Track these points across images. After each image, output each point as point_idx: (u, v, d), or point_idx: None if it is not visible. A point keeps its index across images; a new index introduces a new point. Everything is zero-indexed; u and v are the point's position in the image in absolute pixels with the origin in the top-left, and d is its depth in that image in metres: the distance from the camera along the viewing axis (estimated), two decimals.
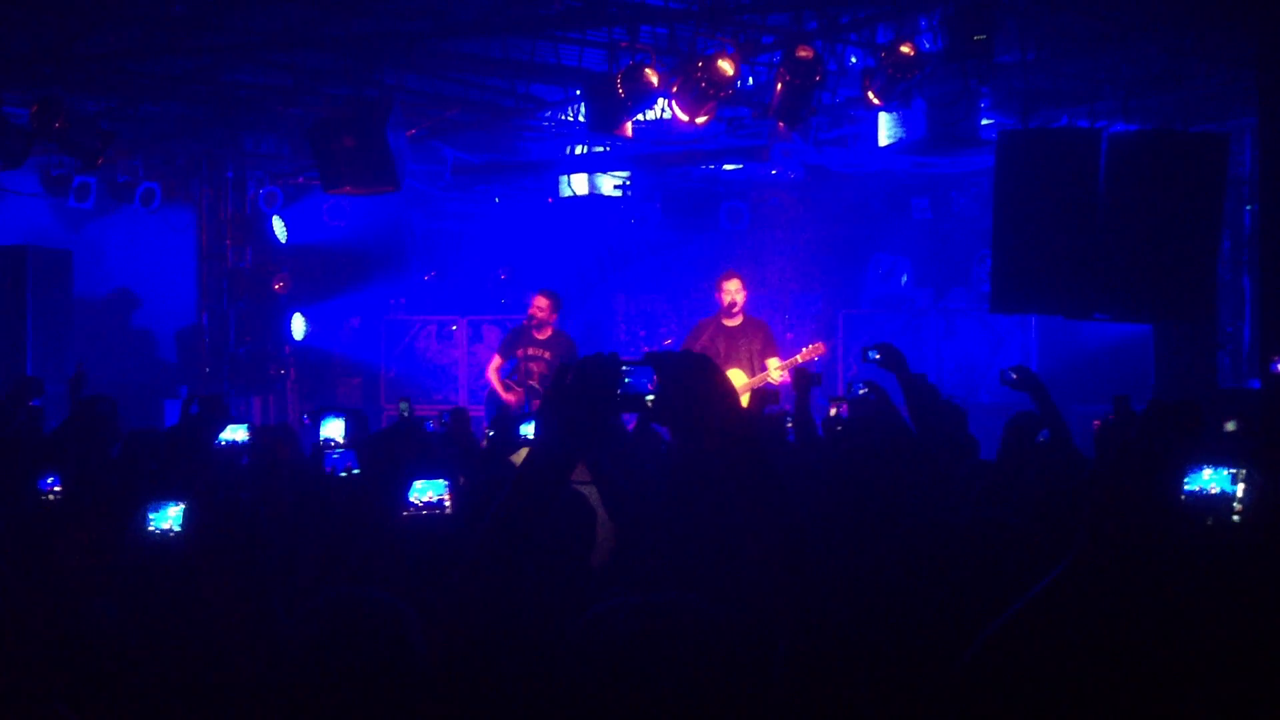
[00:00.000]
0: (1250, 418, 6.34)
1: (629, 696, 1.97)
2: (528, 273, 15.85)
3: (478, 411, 11.48)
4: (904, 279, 16.11)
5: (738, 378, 9.84)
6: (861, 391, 6.68)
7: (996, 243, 9.26)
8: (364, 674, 2.30)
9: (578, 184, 15.61)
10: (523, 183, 15.71)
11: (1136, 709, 2.31)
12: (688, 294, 16.12)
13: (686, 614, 2.05)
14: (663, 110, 11.02)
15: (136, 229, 14.14)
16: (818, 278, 16.32)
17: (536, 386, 10.69)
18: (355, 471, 4.87)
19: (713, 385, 2.09)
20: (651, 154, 13.81)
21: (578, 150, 14.50)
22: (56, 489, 4.60)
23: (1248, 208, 12.61)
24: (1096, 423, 7.33)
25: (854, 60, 10.26)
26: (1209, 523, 2.70)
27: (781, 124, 9.93)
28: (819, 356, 10.04)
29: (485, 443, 7.29)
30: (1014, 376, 6.01)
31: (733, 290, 10.29)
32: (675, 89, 9.02)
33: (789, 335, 14.80)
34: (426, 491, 3.74)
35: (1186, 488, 2.68)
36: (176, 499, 2.95)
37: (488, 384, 11.61)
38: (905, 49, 8.83)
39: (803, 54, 8.83)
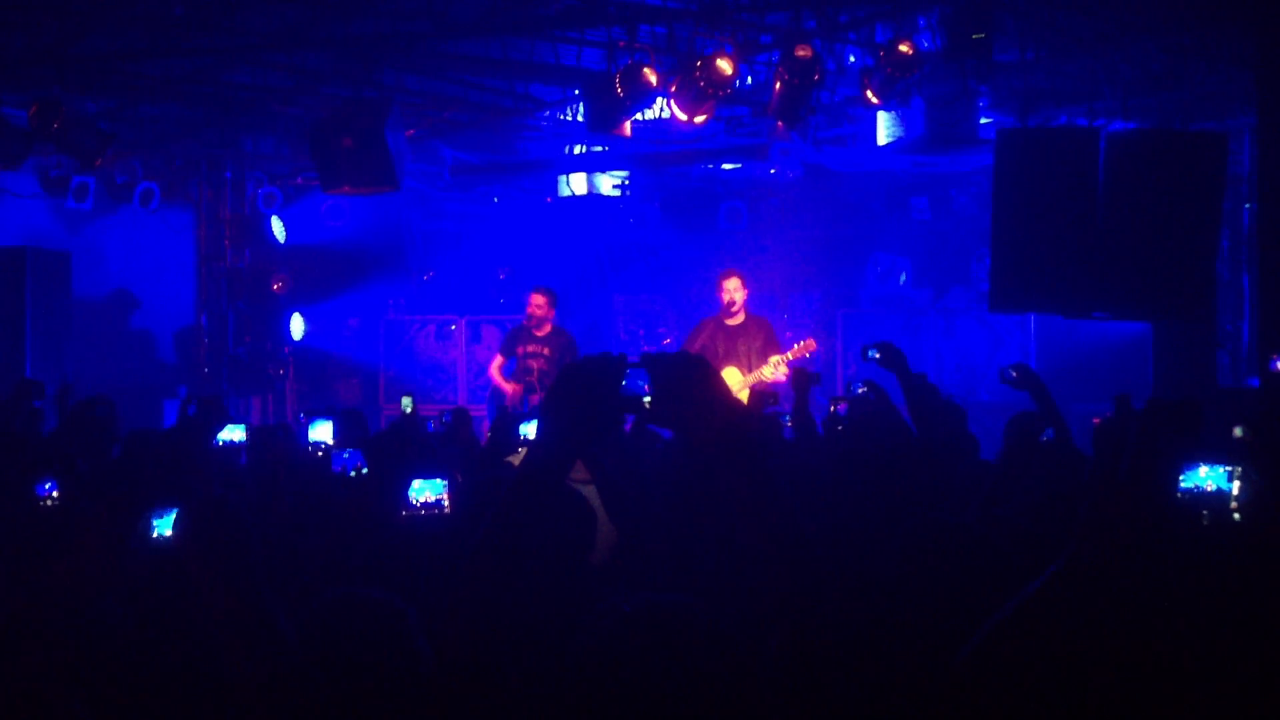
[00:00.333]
0: (1257, 422, 6.33)
1: (628, 697, 1.98)
2: (527, 272, 15.84)
3: (478, 411, 11.48)
4: (903, 278, 16.10)
5: (732, 376, 9.83)
6: (861, 390, 6.67)
7: (995, 242, 9.26)
8: (367, 673, 2.30)
9: (576, 184, 15.62)
10: (521, 183, 15.71)
11: (1133, 706, 2.31)
12: (687, 293, 16.11)
13: (684, 616, 2.05)
14: (661, 110, 11.02)
15: (135, 230, 14.14)
16: (816, 277, 16.31)
17: (535, 383, 10.70)
18: (364, 471, 4.87)
19: (706, 386, 2.09)
20: (650, 153, 13.81)
21: (576, 150, 14.50)
22: (54, 494, 4.60)
23: (1246, 206, 12.61)
24: (1096, 421, 7.33)
25: (853, 59, 10.27)
26: (1205, 521, 2.70)
27: (780, 123, 9.93)
28: (810, 353, 10.02)
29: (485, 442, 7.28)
30: (1014, 375, 6.01)
31: (731, 289, 10.27)
32: (674, 88, 9.03)
33: (788, 334, 14.76)
34: (425, 492, 3.74)
35: (1183, 485, 2.69)
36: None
37: (488, 384, 11.61)
38: (904, 48, 8.84)
39: (801, 53, 8.83)
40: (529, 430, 5.53)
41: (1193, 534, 2.68)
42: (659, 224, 15.99)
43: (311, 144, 10.75)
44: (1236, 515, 2.69)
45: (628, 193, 15.90)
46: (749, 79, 10.66)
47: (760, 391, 8.44)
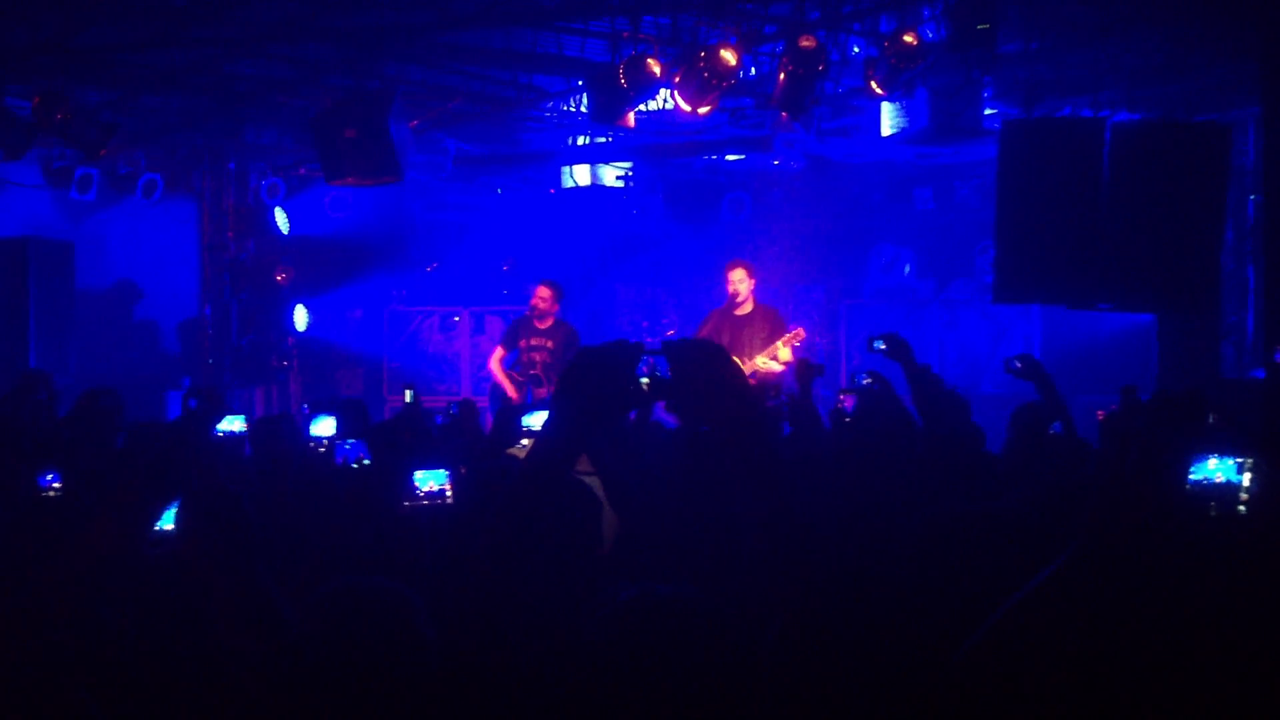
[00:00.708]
0: (1230, 411, 6.31)
1: (625, 686, 1.97)
2: (530, 263, 15.84)
3: (482, 402, 11.48)
4: (906, 270, 16.09)
5: None
6: (865, 382, 6.67)
7: (999, 233, 9.25)
8: (373, 661, 2.30)
9: (580, 175, 15.60)
10: (525, 173, 15.70)
11: (1141, 700, 2.31)
12: (689, 285, 16.10)
13: (681, 606, 2.05)
14: (665, 101, 11.00)
15: (138, 221, 14.14)
16: (819, 268, 16.29)
17: (540, 375, 10.69)
18: (367, 462, 4.87)
19: (725, 373, 2.10)
20: (654, 144, 13.80)
21: (580, 141, 14.48)
22: (56, 485, 4.59)
23: (1251, 198, 12.58)
24: (1100, 413, 7.32)
25: (857, 50, 10.24)
26: (1213, 513, 2.70)
27: (784, 114, 9.90)
28: (799, 342, 10.02)
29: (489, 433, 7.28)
30: (1019, 365, 6.01)
31: (736, 279, 10.27)
32: (678, 79, 9.01)
33: (791, 326, 14.78)
34: (428, 482, 3.74)
35: (1192, 477, 2.68)
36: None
37: (490, 376, 11.61)
38: (908, 38, 8.82)
39: (805, 44, 8.81)
40: (531, 422, 5.53)
41: (1201, 526, 2.67)
42: (662, 215, 15.97)
43: (315, 135, 10.74)
44: (1241, 508, 2.68)
45: (631, 184, 15.89)
46: (753, 70, 10.63)
47: (761, 384, 8.43)
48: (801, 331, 10.18)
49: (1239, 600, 2.43)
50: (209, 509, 2.30)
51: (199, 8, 9.68)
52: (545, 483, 2.14)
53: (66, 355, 12.56)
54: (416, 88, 11.77)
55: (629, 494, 4.17)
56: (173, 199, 14.10)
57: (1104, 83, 10.50)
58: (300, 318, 14.86)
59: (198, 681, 2.79)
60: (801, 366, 7.13)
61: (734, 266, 10.38)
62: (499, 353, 11.21)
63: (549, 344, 10.80)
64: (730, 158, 14.75)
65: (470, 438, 6.53)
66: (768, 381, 9.47)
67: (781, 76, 9.01)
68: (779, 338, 10.09)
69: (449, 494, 3.71)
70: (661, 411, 7.51)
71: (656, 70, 8.91)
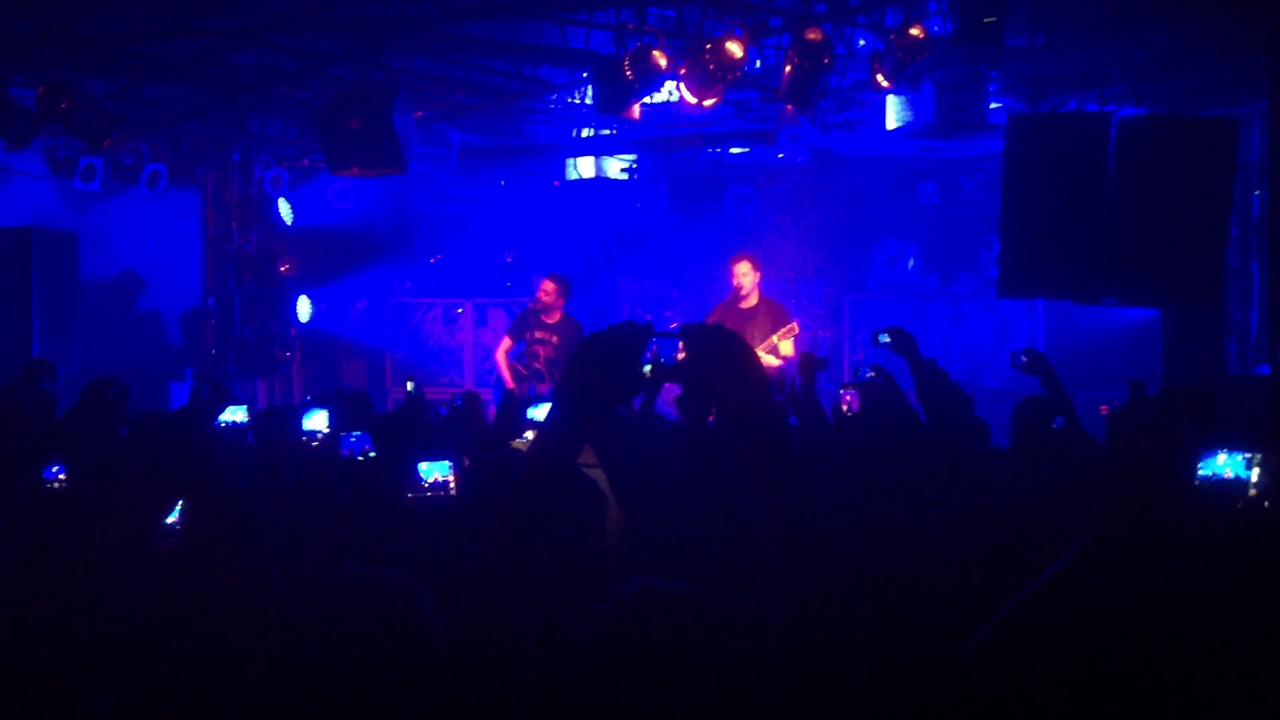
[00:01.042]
0: (1231, 408, 6.29)
1: (632, 683, 1.97)
2: (534, 256, 15.84)
3: (486, 394, 11.48)
4: (910, 264, 16.08)
5: None
6: (870, 375, 6.66)
7: (1004, 227, 9.23)
8: (379, 652, 2.29)
9: (584, 167, 15.59)
10: (529, 166, 15.68)
11: (1150, 695, 2.30)
12: (693, 278, 16.09)
13: (681, 602, 2.05)
14: (670, 93, 10.99)
15: (142, 211, 14.13)
16: (824, 262, 16.29)
17: (542, 370, 10.69)
18: (372, 455, 4.85)
19: (742, 359, 2.09)
20: (658, 137, 13.78)
21: (584, 133, 14.47)
22: (61, 477, 4.58)
23: (1256, 193, 12.56)
24: (1104, 408, 7.32)
25: (862, 43, 10.23)
26: (1222, 508, 2.69)
27: (789, 107, 9.90)
28: (794, 336, 10.01)
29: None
30: (1024, 359, 6.00)
31: (740, 273, 10.26)
32: (683, 71, 8.99)
33: (795, 320, 14.78)
34: (432, 473, 3.73)
35: (1200, 473, 2.67)
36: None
37: (494, 367, 11.61)
38: (914, 32, 8.79)
39: (811, 36, 8.79)
40: (536, 414, 5.52)
41: (1210, 521, 2.67)
42: (666, 208, 15.96)
43: (319, 126, 10.74)
44: (1240, 505, 2.68)
45: (635, 176, 15.87)
46: (758, 62, 10.61)
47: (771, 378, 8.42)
48: (796, 325, 10.16)
49: (1248, 595, 2.42)
50: (212, 502, 2.29)
51: None
52: (551, 471, 2.13)
53: (70, 345, 12.57)
54: (421, 79, 11.76)
55: (634, 487, 4.16)
56: (176, 189, 14.09)
57: (1110, 78, 10.48)
58: (303, 309, 14.86)
59: (204, 674, 2.79)
60: (805, 360, 7.12)
61: (739, 260, 10.36)
62: (506, 343, 11.22)
63: (554, 339, 10.80)
64: (735, 151, 14.73)
65: (474, 429, 6.51)
66: (771, 375, 9.46)
67: (787, 69, 8.99)
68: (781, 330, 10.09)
69: (453, 485, 3.70)
70: (663, 404, 7.51)
71: (662, 62, 8.89)
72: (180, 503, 2.27)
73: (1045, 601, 2.16)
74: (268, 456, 4.80)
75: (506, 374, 10.91)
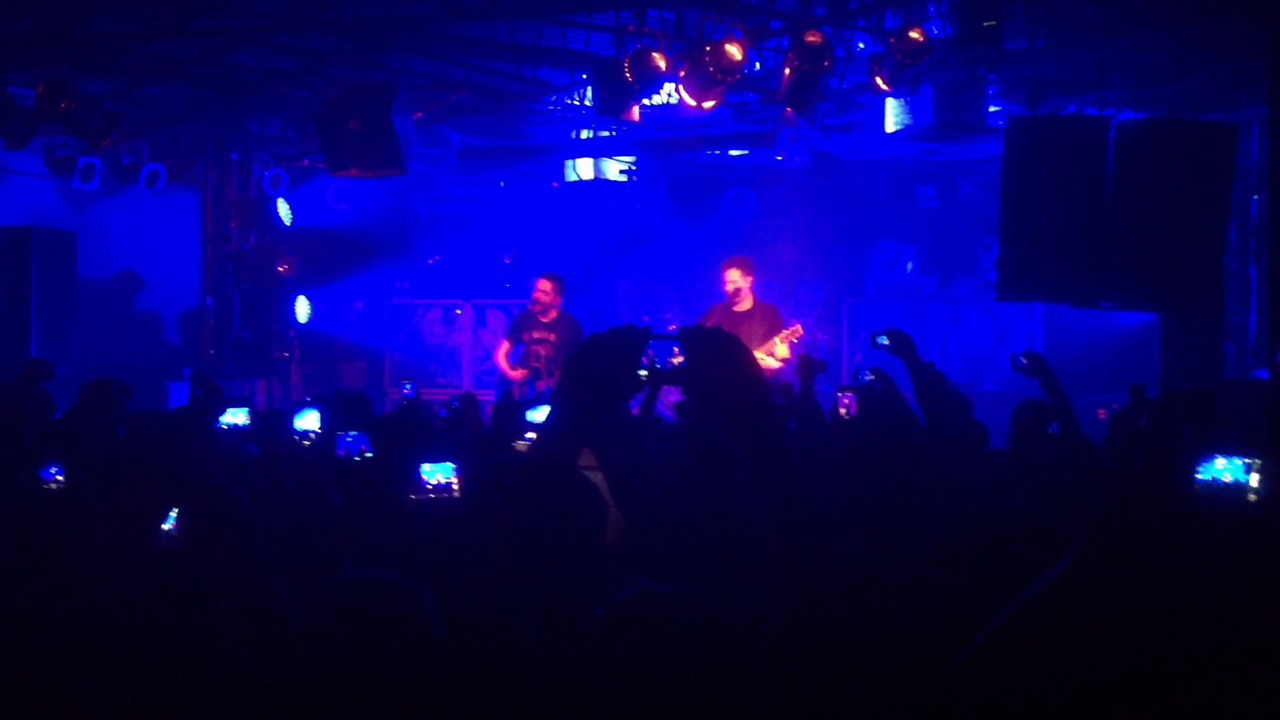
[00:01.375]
0: (1227, 412, 6.29)
1: (628, 686, 1.97)
2: (532, 257, 15.84)
3: (485, 396, 11.48)
4: (909, 267, 16.08)
5: None
6: (868, 378, 6.66)
7: (1003, 230, 9.24)
8: (379, 654, 2.29)
9: (583, 168, 15.59)
10: (528, 167, 15.68)
11: (1148, 700, 2.30)
12: (692, 279, 16.09)
13: (678, 605, 2.05)
14: (669, 95, 10.99)
15: (141, 211, 14.13)
16: (823, 265, 16.29)
17: (541, 369, 10.68)
18: (368, 455, 4.84)
19: (740, 362, 2.09)
20: (657, 139, 13.78)
21: (583, 135, 14.47)
22: (59, 478, 4.57)
23: (1255, 197, 12.58)
24: (1102, 412, 7.32)
25: (862, 46, 10.24)
26: (1221, 513, 2.69)
27: (789, 109, 9.89)
28: (798, 338, 10.01)
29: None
30: (1024, 362, 6.00)
31: (731, 279, 10.27)
32: (682, 73, 9.00)
33: (793, 322, 14.78)
34: (435, 475, 3.72)
35: (1199, 477, 2.67)
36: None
37: (495, 368, 11.60)
38: (914, 35, 8.80)
39: (811, 39, 8.80)
40: (536, 416, 5.51)
41: (1208, 525, 2.67)
42: (665, 210, 15.97)
43: (318, 126, 10.74)
44: (1239, 509, 2.68)
45: (634, 178, 15.87)
46: (757, 65, 10.61)
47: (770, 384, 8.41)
48: (799, 327, 10.16)
49: (1247, 600, 2.42)
50: (207, 508, 2.29)
51: None
52: (550, 472, 2.13)
53: (68, 345, 12.57)
54: (420, 80, 11.77)
55: (633, 490, 4.16)
56: (175, 189, 14.10)
57: (1109, 81, 10.49)
58: (302, 309, 14.86)
59: (201, 676, 2.78)
60: (803, 363, 7.12)
61: (729, 266, 10.36)
62: (504, 347, 11.20)
63: (552, 338, 10.79)
64: (734, 153, 14.74)
65: (472, 431, 6.51)
66: (769, 378, 9.46)
67: (786, 72, 9.00)
68: (777, 334, 10.09)
69: (456, 487, 3.69)
70: (661, 407, 7.51)
71: (661, 64, 8.89)
72: (176, 508, 2.27)
73: (1044, 605, 2.15)
74: (267, 458, 4.80)
75: (511, 374, 10.89)
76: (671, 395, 8.24)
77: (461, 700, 2.05)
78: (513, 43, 10.46)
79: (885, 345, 6.17)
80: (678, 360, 2.21)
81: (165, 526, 2.23)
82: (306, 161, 14.54)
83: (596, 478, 4.05)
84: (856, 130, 12.74)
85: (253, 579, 2.30)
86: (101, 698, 2.13)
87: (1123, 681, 2.26)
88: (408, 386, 9.88)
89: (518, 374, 10.76)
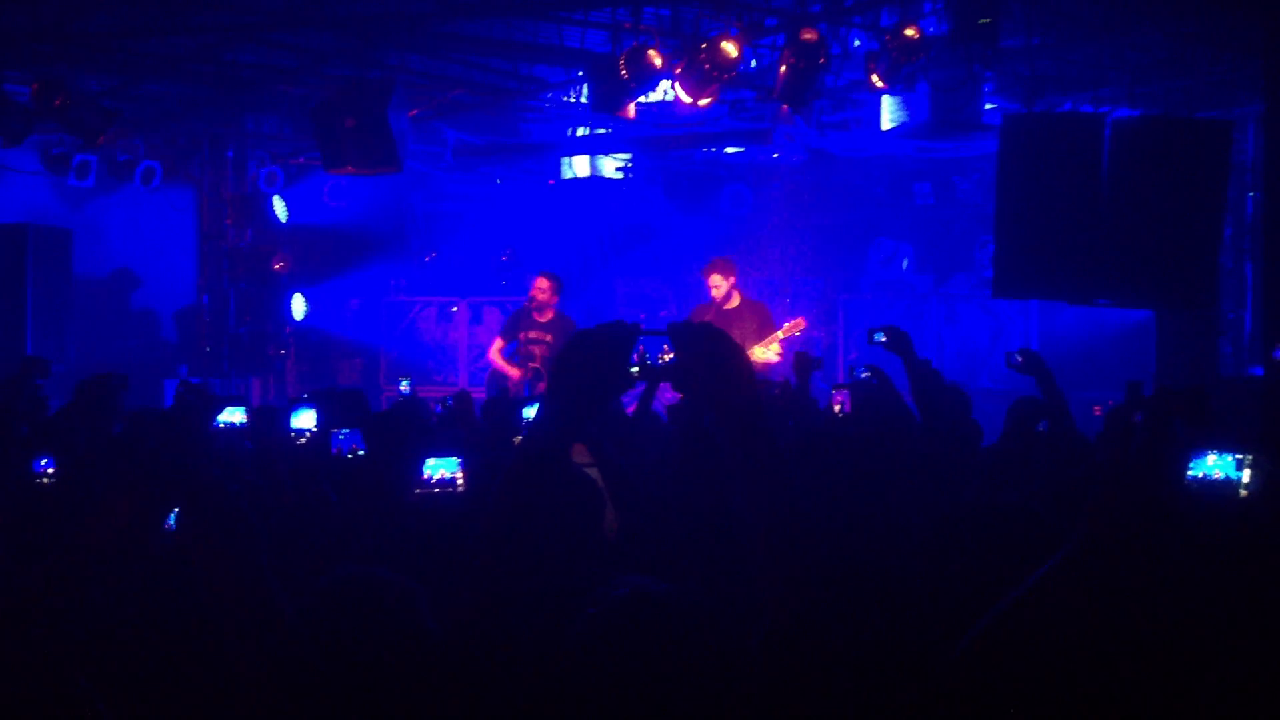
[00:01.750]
0: (1220, 409, 6.29)
1: (622, 686, 1.98)
2: (529, 255, 15.83)
3: (478, 393, 11.47)
4: (905, 264, 16.09)
5: None
6: (864, 375, 6.66)
7: (999, 228, 9.24)
8: (374, 653, 2.29)
9: (579, 166, 15.58)
10: (524, 164, 15.67)
11: (1140, 694, 2.31)
12: (688, 277, 16.07)
13: (670, 603, 2.05)
14: (665, 92, 10.98)
15: (137, 208, 14.13)
16: (819, 262, 16.28)
17: (539, 369, 10.66)
18: (361, 452, 4.84)
19: (731, 358, 2.09)
20: (653, 136, 13.78)
21: (579, 132, 14.46)
22: (50, 471, 4.57)
23: (1250, 195, 12.58)
24: (1098, 409, 7.32)
25: (858, 43, 10.23)
26: (1212, 508, 2.69)
27: (785, 107, 9.90)
28: (800, 331, 10.03)
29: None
30: (1020, 359, 6.00)
31: (714, 284, 10.40)
32: (678, 71, 9.00)
33: (788, 320, 14.78)
34: (439, 470, 3.73)
35: (1191, 473, 2.68)
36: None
37: (488, 366, 11.58)
38: (910, 32, 8.81)
39: (807, 36, 8.80)
40: (531, 414, 5.52)
41: (1200, 521, 2.67)
42: (661, 207, 15.96)
43: (314, 124, 10.74)
44: (1230, 506, 2.68)
45: (630, 175, 15.86)
46: (753, 62, 10.62)
47: (764, 380, 8.42)
48: (802, 321, 10.20)
49: (1238, 594, 2.43)
50: (206, 508, 2.29)
51: None
52: (541, 465, 2.13)
53: (64, 342, 12.56)
54: (417, 77, 11.75)
55: (628, 486, 4.17)
56: (171, 186, 14.09)
57: (1105, 79, 10.50)
58: (298, 307, 14.85)
59: (199, 674, 2.78)
60: (799, 360, 7.13)
61: (709, 272, 10.48)
62: (498, 344, 11.16)
63: (548, 337, 10.76)
64: (730, 150, 14.73)
65: (467, 429, 6.51)
66: (761, 374, 9.47)
67: (782, 69, 9.00)
68: (768, 330, 10.12)
69: (460, 482, 3.70)
70: (659, 405, 7.51)
71: (657, 61, 8.89)
72: (176, 508, 2.27)
73: (1036, 601, 2.16)
74: (263, 456, 4.81)
75: (509, 370, 10.84)
76: (669, 395, 8.24)
77: (455, 698, 2.05)
78: (509, 40, 10.47)
79: (882, 342, 6.17)
80: (668, 357, 2.21)
81: (165, 526, 2.22)
82: (303, 159, 14.52)
83: (594, 474, 4.06)
84: (853, 127, 12.73)
85: (253, 579, 2.30)
86: (97, 694, 2.13)
87: (1113, 676, 2.27)
88: (405, 384, 9.88)
89: (517, 373, 10.74)
